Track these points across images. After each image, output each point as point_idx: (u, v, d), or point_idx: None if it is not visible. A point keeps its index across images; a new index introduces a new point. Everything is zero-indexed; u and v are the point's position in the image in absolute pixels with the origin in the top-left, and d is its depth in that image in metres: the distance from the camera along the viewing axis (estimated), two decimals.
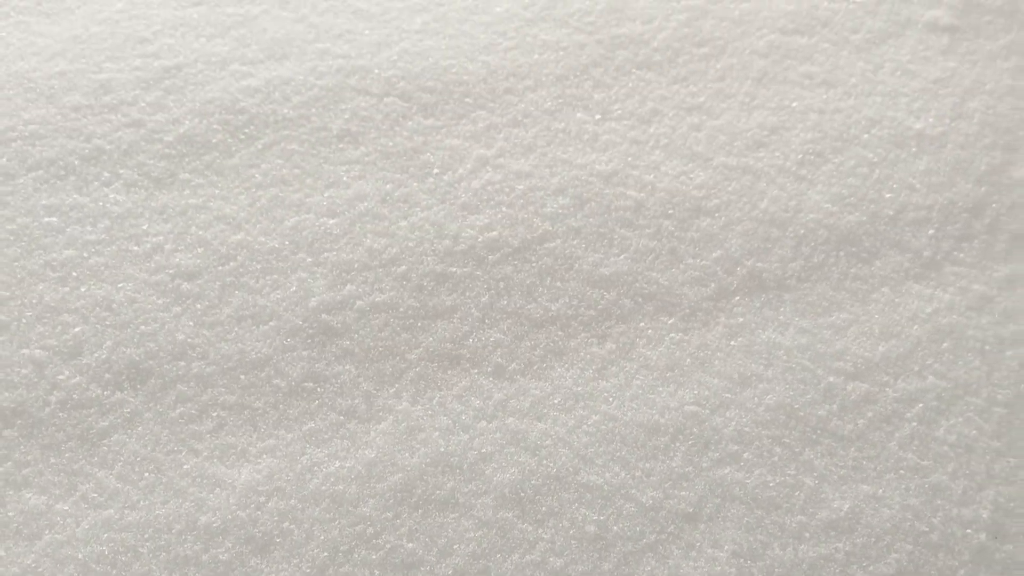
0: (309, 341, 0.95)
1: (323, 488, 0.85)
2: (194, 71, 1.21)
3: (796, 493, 0.86)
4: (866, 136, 1.16)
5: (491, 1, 1.34)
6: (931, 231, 1.07)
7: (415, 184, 1.10)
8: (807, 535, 0.85)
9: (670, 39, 1.29)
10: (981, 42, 1.30)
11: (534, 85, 1.22)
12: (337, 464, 0.86)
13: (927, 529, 0.85)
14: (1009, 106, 1.21)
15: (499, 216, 1.07)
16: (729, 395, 0.92)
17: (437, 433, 0.88)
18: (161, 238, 1.03)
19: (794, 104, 1.20)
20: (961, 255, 1.05)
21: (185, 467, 0.86)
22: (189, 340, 0.94)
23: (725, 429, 0.89)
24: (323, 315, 0.96)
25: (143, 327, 0.95)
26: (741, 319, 0.98)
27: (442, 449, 0.87)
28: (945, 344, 0.97)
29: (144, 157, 1.11)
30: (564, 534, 0.84)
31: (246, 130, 1.14)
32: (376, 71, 1.22)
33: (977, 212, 1.09)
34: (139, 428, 0.88)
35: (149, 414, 0.89)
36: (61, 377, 0.91)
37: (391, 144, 1.14)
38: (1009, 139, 1.17)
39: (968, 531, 0.85)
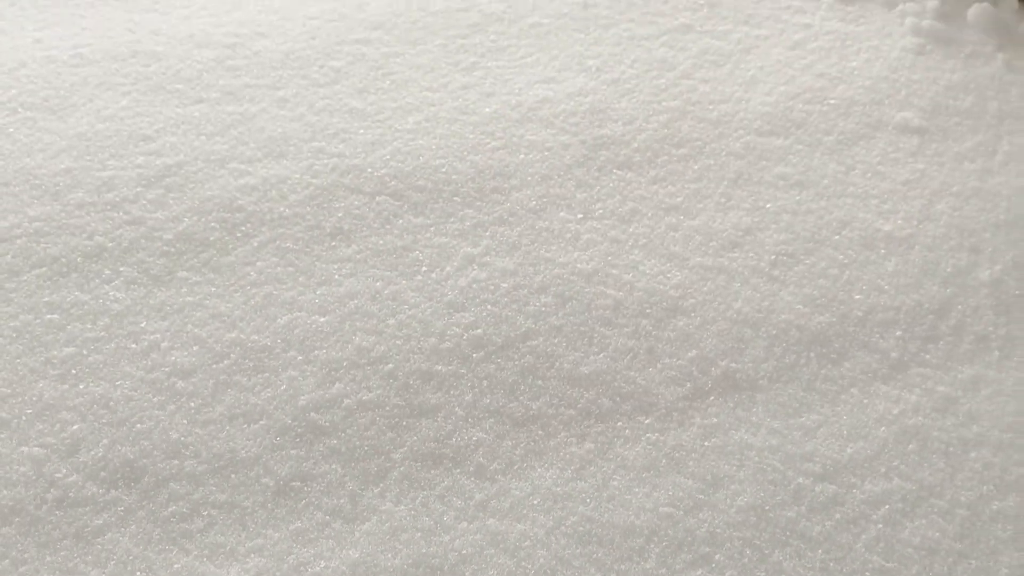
0: (297, 440, 0.98)
1: None
2: (194, 169, 1.27)
3: None
4: (837, 237, 1.21)
5: (480, 102, 1.40)
6: (898, 332, 1.11)
7: (404, 282, 1.15)
8: None
9: (650, 140, 1.34)
10: (949, 144, 1.36)
11: (520, 184, 1.28)
12: (323, 564, 0.89)
13: None
14: (975, 208, 1.26)
15: (484, 314, 1.11)
16: (702, 496, 0.95)
17: (419, 534, 0.91)
18: (158, 336, 1.07)
19: (768, 205, 1.25)
20: (927, 356, 1.09)
21: (176, 567, 0.89)
22: (182, 438, 0.98)
23: (698, 531, 0.93)
24: (312, 414, 1.00)
25: (139, 425, 0.98)
26: (715, 419, 1.02)
27: (424, 551, 0.90)
28: (911, 446, 1.00)
29: (144, 255, 1.16)
30: None
31: (243, 228, 1.19)
32: (369, 170, 1.28)
33: (942, 314, 1.13)
34: (132, 527, 0.91)
35: (142, 512, 0.92)
36: (58, 475, 0.94)
37: (382, 242, 1.19)
38: (974, 241, 1.22)
39: None
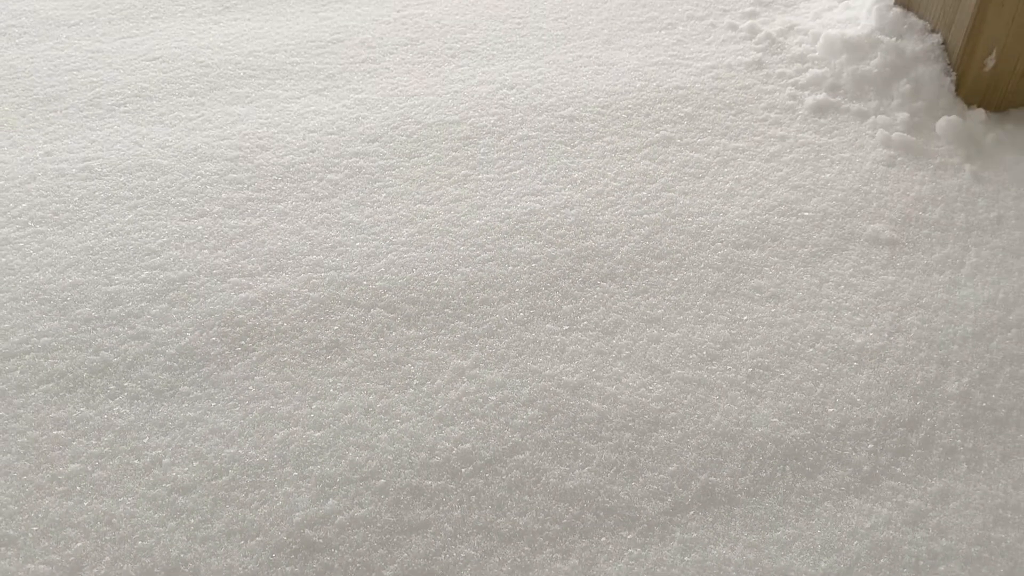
0: (292, 556, 1.02)
1: None
2: (197, 283, 1.32)
3: None
4: (811, 350, 1.27)
5: (471, 214, 1.47)
6: (870, 445, 1.16)
7: (396, 395, 1.20)
8: None
9: (632, 251, 1.41)
10: (919, 255, 1.42)
11: (508, 296, 1.33)
12: None
13: None
14: (943, 320, 1.32)
15: (473, 428, 1.16)
16: None
17: None
18: (160, 451, 1.11)
19: (745, 317, 1.31)
20: (898, 469, 1.13)
21: None
22: (182, 555, 1.01)
23: None
24: (306, 530, 1.04)
25: (140, 542, 1.02)
26: (695, 534, 1.06)
27: None
28: (882, 560, 1.04)
29: (147, 369, 1.21)
30: None
31: (243, 342, 1.25)
32: (365, 283, 1.34)
33: (912, 426, 1.18)
34: None
35: None
36: None
37: (376, 355, 1.24)
38: (943, 353, 1.27)
39: None
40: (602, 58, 1.84)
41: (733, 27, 1.92)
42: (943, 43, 1.72)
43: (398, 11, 1.99)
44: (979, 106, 1.70)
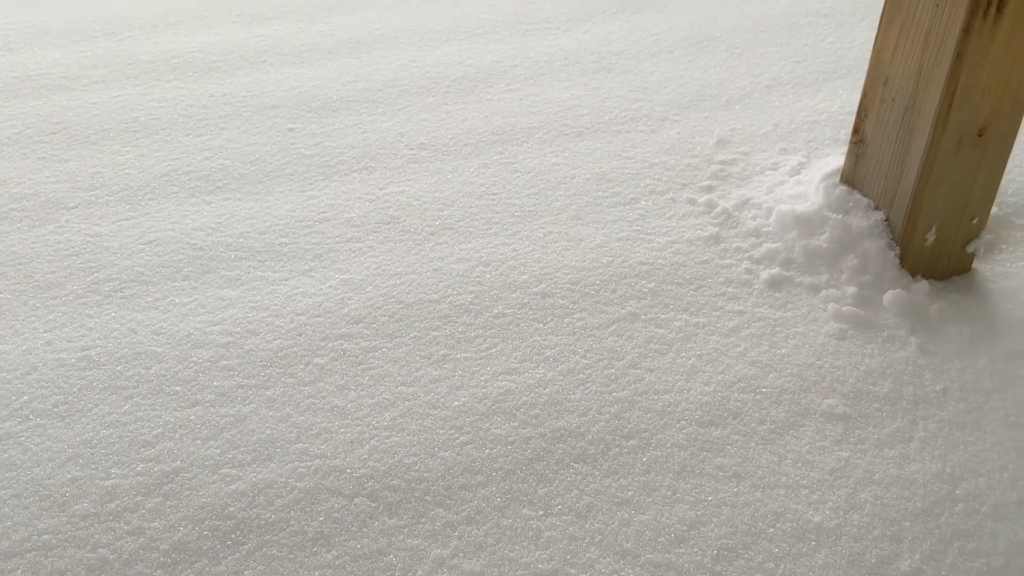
0: None
1: None
2: (189, 475, 1.40)
3: None
4: (772, 530, 1.34)
5: (450, 395, 1.56)
6: None
7: None
8: None
9: (603, 431, 1.50)
10: (870, 430, 1.52)
11: (486, 480, 1.41)
12: None
13: None
14: (895, 496, 1.40)
15: None
16: None
17: None
18: None
19: (710, 498, 1.39)
20: None
21: None
22: None
23: None
24: None
25: None
26: None
27: None
28: None
29: (143, 566, 1.26)
30: None
31: (233, 536, 1.31)
32: (348, 471, 1.41)
33: None
34: None
35: None
36: None
37: (359, 546, 1.31)
38: (895, 530, 1.35)
39: None
40: (571, 233, 1.97)
41: (692, 201, 2.06)
42: (886, 220, 1.85)
43: (381, 188, 2.13)
44: (923, 276, 1.83)
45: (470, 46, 2.82)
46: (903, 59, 1.73)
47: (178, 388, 1.56)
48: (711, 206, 2.03)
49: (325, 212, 2.04)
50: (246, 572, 1.26)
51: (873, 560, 1.31)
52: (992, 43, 1.62)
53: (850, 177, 1.95)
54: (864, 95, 1.86)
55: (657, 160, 2.23)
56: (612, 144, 2.30)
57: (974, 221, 1.84)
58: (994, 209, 2.01)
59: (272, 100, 2.50)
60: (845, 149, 2.00)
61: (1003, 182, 2.08)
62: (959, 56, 1.61)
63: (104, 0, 3.10)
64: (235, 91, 2.54)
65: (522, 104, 2.50)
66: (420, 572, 1.27)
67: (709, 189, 2.10)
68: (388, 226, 2.00)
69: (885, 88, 1.79)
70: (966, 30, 1.59)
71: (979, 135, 1.73)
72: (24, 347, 1.64)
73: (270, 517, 1.34)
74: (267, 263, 1.87)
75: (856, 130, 1.90)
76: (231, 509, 1.34)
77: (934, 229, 1.81)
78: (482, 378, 1.59)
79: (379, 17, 3.00)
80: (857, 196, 1.91)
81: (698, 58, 2.71)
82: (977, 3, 1.57)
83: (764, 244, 1.90)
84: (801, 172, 2.09)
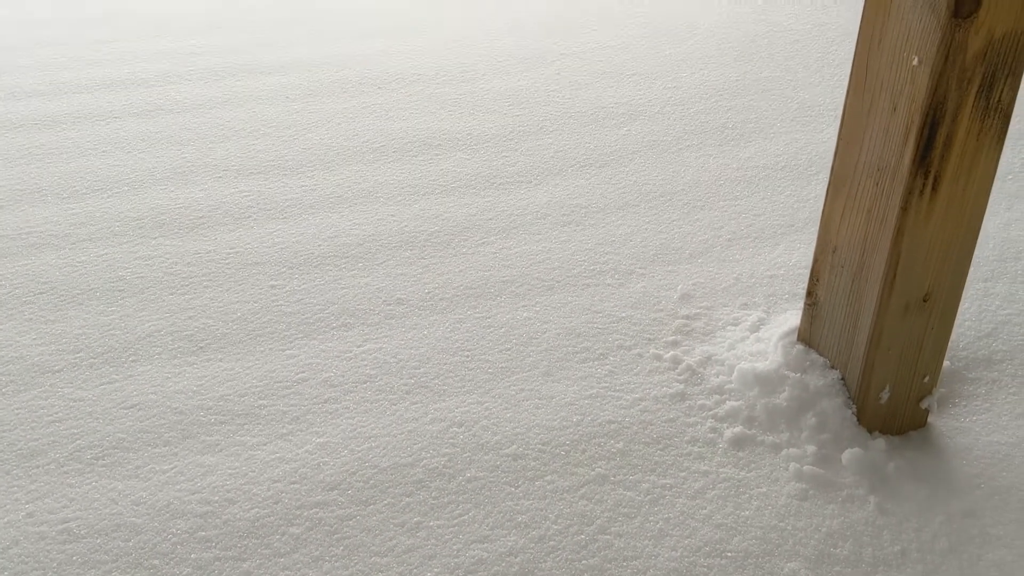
0: None
1: None
2: None
3: None
4: None
5: (423, 566, 1.60)
6: None
7: None
8: None
9: None
10: None
11: None
12: None
13: None
14: None
15: None
16: None
17: None
18: None
19: None
20: None
21: None
22: None
23: None
24: None
25: None
26: None
27: None
28: None
29: None
30: None
31: None
32: None
33: None
34: None
35: None
36: None
37: None
38: None
39: None
40: (542, 391, 2.04)
41: (658, 357, 2.14)
42: (842, 379, 1.94)
43: (359, 346, 2.20)
44: (880, 433, 1.90)
45: (446, 200, 2.94)
46: (849, 231, 1.85)
47: (156, 562, 1.59)
48: (676, 362, 2.12)
49: (303, 372, 2.10)
50: None
51: None
52: (930, 218, 1.74)
53: (806, 336, 2.04)
54: (815, 260, 1.97)
55: (624, 314, 2.32)
56: (581, 298, 2.40)
57: (926, 379, 1.92)
58: (946, 363, 2.10)
59: (255, 256, 2.59)
60: (802, 305, 2.10)
61: (954, 336, 2.18)
62: (899, 230, 1.73)
63: (93, 157, 3.23)
64: (219, 248, 2.64)
65: (496, 257, 2.61)
66: None
67: (674, 344, 2.19)
68: (365, 385, 2.06)
69: (834, 255, 1.91)
70: (904, 207, 1.71)
71: (924, 300, 1.83)
72: (5, 520, 1.67)
73: None
74: (246, 427, 1.92)
75: (810, 293, 2.00)
76: None
77: (888, 388, 1.89)
78: (454, 547, 1.63)
79: (359, 172, 3.14)
80: (814, 355, 2.00)
81: (661, 212, 2.84)
82: (913, 183, 1.69)
83: (727, 402, 1.97)
84: (761, 329, 2.19)
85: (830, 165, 1.86)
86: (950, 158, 1.70)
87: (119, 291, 2.42)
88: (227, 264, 2.55)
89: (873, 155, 1.76)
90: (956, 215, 1.76)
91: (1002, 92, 1.68)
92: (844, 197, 1.85)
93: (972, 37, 1.60)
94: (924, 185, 1.70)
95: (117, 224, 2.77)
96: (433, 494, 1.75)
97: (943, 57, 1.60)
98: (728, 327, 2.25)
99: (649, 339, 2.22)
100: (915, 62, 1.64)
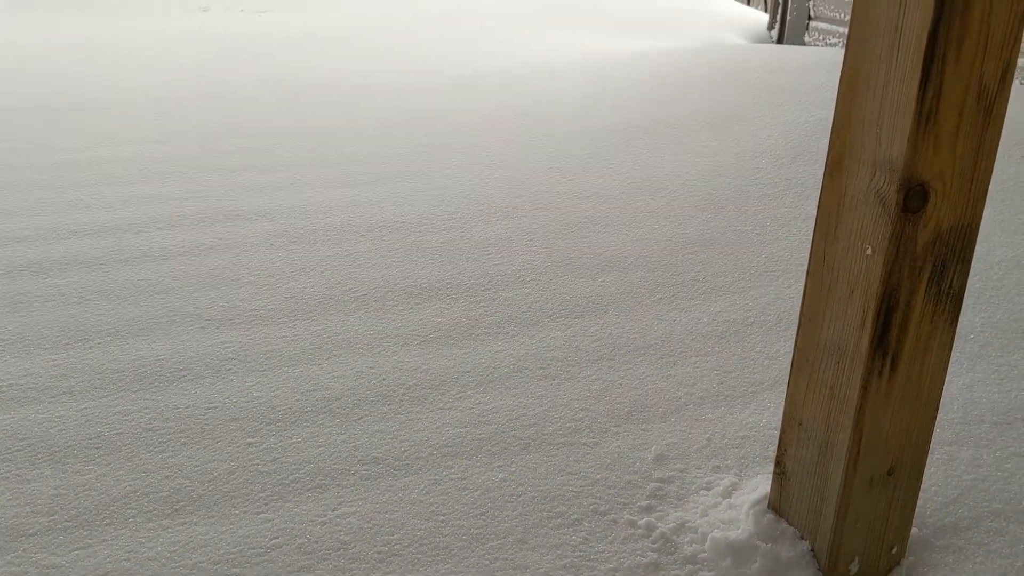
0: None
1: None
2: None
3: None
4: None
5: None
6: None
7: None
8: None
9: None
10: None
11: None
12: None
13: None
14: None
15: None
16: None
17: None
18: None
19: None
20: None
21: None
22: None
23: None
24: None
25: None
26: None
27: None
28: None
29: None
30: None
31: None
32: None
33: None
34: None
35: None
36: None
37: None
38: None
39: None
40: (516, 560, 2.05)
41: (632, 524, 2.16)
42: (812, 550, 1.97)
43: (333, 509, 2.21)
44: None
45: (424, 352, 3.00)
46: (813, 406, 1.91)
47: None
48: (650, 529, 2.14)
49: (278, 537, 2.11)
50: None
51: None
52: (890, 397, 1.81)
53: (776, 505, 2.08)
54: (783, 431, 2.03)
55: (599, 476, 2.35)
56: (557, 458, 2.43)
57: (893, 550, 1.96)
58: (915, 530, 2.14)
59: (233, 412, 2.62)
60: (772, 471, 2.14)
61: (921, 501, 2.22)
62: (861, 409, 1.80)
63: (77, 306, 3.28)
64: (198, 402, 2.67)
65: (472, 413, 2.64)
66: None
67: (648, 510, 2.22)
68: (338, 553, 2.06)
69: (800, 429, 1.97)
70: (864, 387, 1.78)
71: (888, 474, 1.88)
72: None
73: None
74: None
75: (778, 462, 2.05)
76: None
77: (856, 560, 1.92)
78: None
79: (339, 322, 3.20)
80: (784, 525, 2.03)
81: (635, 366, 2.91)
82: (872, 364, 1.77)
83: (700, 572, 1.99)
84: (733, 495, 2.22)
85: (797, 324, 1.94)
86: (906, 341, 1.78)
87: (97, 448, 2.43)
88: (205, 420, 2.58)
89: (833, 335, 1.84)
90: (915, 393, 1.83)
91: (953, 279, 1.78)
92: (807, 374, 1.92)
93: (921, 230, 1.71)
94: (883, 366, 1.77)
95: (98, 377, 2.80)
96: None
97: (895, 248, 1.70)
98: (701, 491, 2.28)
99: (624, 504, 2.25)
100: (869, 251, 1.74)
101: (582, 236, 4.03)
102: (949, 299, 1.80)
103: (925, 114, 1.66)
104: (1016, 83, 5.95)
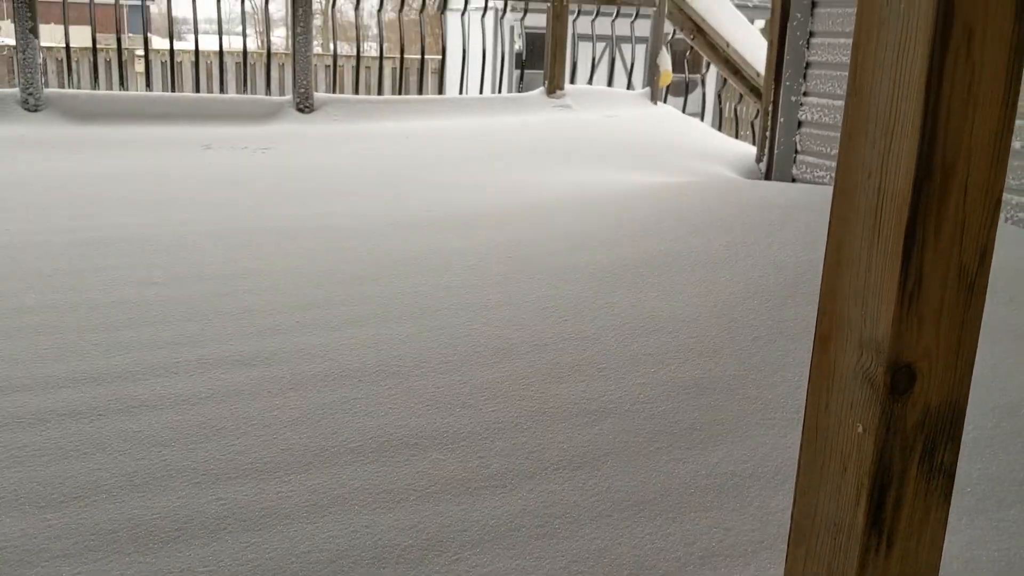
0: None
1: None
2: None
3: None
4: None
5: None
6: None
7: None
8: None
9: None
10: None
11: None
12: None
13: None
14: None
15: None
16: None
17: None
18: None
19: None
20: None
21: None
22: None
23: None
24: None
25: None
26: None
27: None
28: None
29: None
30: None
31: None
32: None
33: None
34: None
35: None
36: None
37: None
38: None
39: None
40: None
41: None
42: None
43: None
44: None
45: (421, 508, 2.99)
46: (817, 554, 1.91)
47: None
48: None
49: None
50: None
51: None
52: (887, 574, 1.81)
53: None
54: None
55: None
56: None
57: None
58: None
59: None
60: None
61: None
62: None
63: (74, 460, 3.27)
64: (192, 565, 2.64)
65: None
66: None
67: None
68: None
69: None
70: (862, 565, 1.78)
71: None
72: None
73: None
74: None
75: None
76: None
77: None
78: None
79: (335, 476, 3.19)
80: None
81: (635, 524, 2.90)
82: (868, 542, 1.78)
83: None
84: None
85: (794, 480, 1.94)
86: (901, 518, 1.79)
87: None
88: None
89: (829, 511, 1.85)
90: (912, 570, 1.84)
91: (944, 455, 1.81)
92: (804, 548, 1.92)
93: (910, 410, 1.75)
94: (879, 544, 1.78)
95: (92, 538, 2.77)
96: None
97: (885, 428, 1.74)
98: None
99: None
100: (860, 430, 1.77)
101: (578, 380, 4.06)
102: (941, 475, 1.82)
103: (908, 296, 1.72)
104: (1006, 224, 6.12)
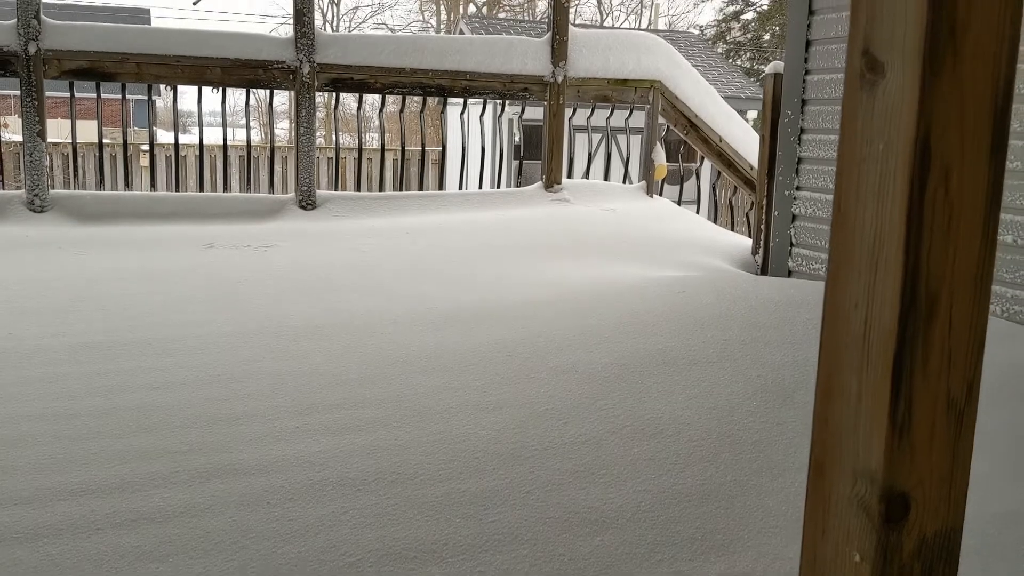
0: None
1: None
2: None
3: None
4: None
5: None
6: None
7: None
8: None
9: None
10: None
11: None
12: None
13: None
14: None
15: None
16: None
17: None
18: None
19: None
20: None
21: None
22: None
23: None
24: None
25: None
26: None
27: None
28: None
29: None
30: None
31: None
32: None
33: None
34: None
35: None
36: None
37: None
38: None
39: None
40: None
41: None
42: None
43: None
44: None
45: None
46: None
47: None
48: None
49: None
50: None
51: None
52: None
53: None
54: None
55: None
56: None
57: None
58: None
59: None
60: None
61: None
62: None
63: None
64: None
65: None
66: None
67: None
68: None
69: None
70: None
71: None
72: None
73: None
74: None
75: None
76: None
77: None
78: None
79: None
80: None
81: None
82: None
83: None
84: None
85: None
86: None
87: None
88: None
89: None
90: None
91: None
92: None
93: (906, 538, 1.76)
94: None
95: None
96: None
97: (882, 557, 1.74)
98: None
99: None
100: (857, 559, 1.77)
101: (578, 488, 4.04)
102: None
103: (899, 426, 1.74)
104: (1001, 318, 6.16)
